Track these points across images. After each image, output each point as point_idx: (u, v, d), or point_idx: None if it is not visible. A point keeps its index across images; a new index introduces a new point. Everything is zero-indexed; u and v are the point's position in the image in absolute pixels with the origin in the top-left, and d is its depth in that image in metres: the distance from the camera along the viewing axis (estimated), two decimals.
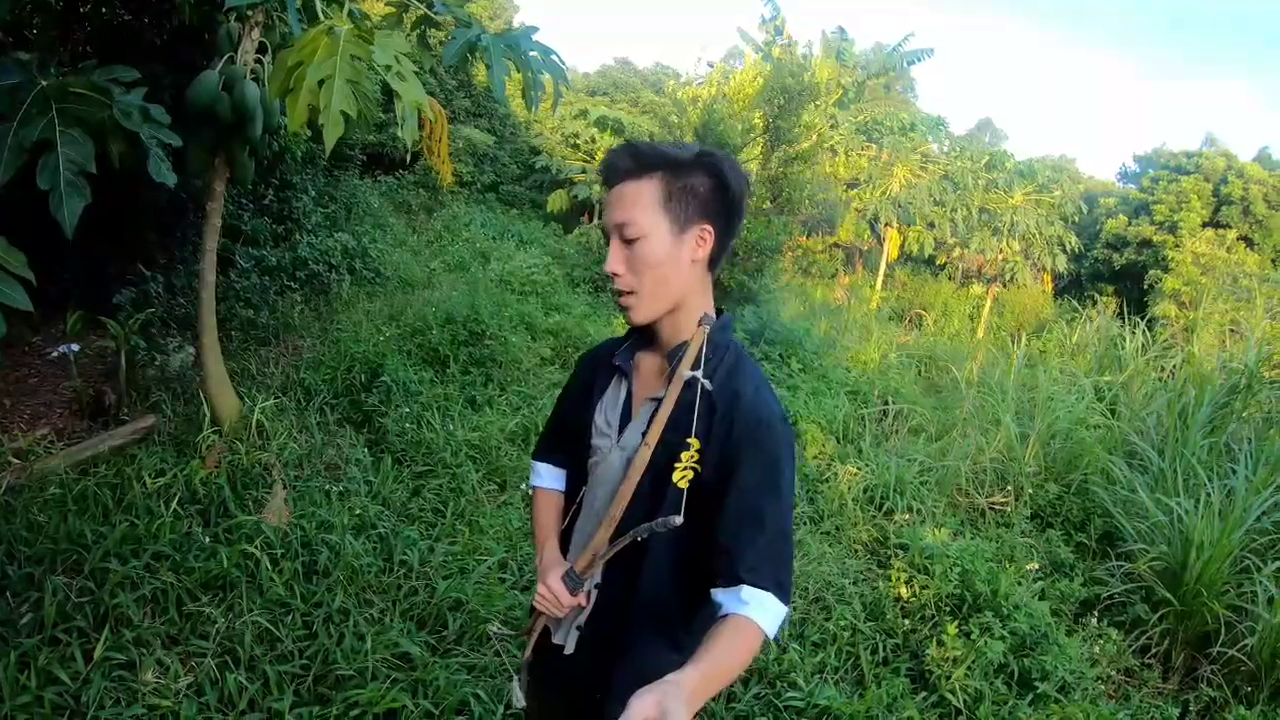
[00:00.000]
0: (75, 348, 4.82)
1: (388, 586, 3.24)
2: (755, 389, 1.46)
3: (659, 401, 1.47)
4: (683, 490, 1.42)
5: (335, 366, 5.31)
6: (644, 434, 1.46)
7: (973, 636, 3.67)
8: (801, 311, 11.38)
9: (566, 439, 1.72)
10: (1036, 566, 4.68)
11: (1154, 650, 4.34)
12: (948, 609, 3.97)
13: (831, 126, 14.44)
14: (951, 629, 3.63)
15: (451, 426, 4.89)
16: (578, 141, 19.84)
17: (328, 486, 3.95)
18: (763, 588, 1.35)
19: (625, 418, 1.57)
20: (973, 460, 5.95)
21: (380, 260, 8.40)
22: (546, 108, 3.86)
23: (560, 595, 1.51)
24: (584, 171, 18.64)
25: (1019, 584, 4.29)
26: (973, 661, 3.53)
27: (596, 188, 18.31)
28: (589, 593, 1.54)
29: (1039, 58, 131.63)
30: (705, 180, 1.46)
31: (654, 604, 1.49)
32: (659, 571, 1.48)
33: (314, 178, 8.45)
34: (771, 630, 1.35)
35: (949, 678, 3.48)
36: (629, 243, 1.44)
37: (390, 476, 4.22)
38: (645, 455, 1.44)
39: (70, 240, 2.44)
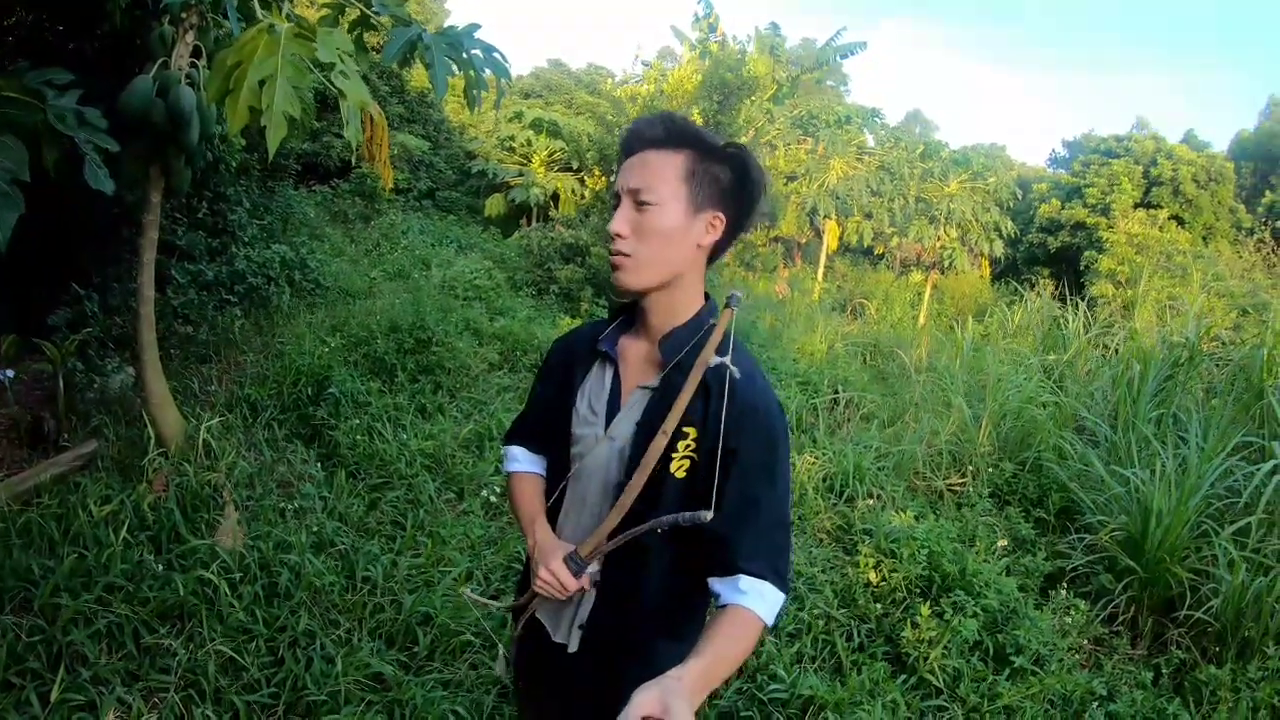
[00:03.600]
0: (10, 374, 4.59)
1: (353, 605, 3.12)
2: (750, 376, 1.43)
3: (652, 390, 1.46)
4: (682, 480, 1.40)
5: (280, 381, 5.16)
6: (662, 422, 1.39)
7: (945, 616, 3.70)
8: (746, 305, 11.41)
9: (542, 424, 1.67)
10: (1005, 543, 4.74)
11: (1121, 618, 4.41)
12: (918, 591, 3.99)
13: (768, 121, 14.54)
14: (925, 610, 3.65)
15: (405, 436, 4.78)
16: (513, 145, 19.71)
17: (282, 505, 3.82)
18: (760, 577, 1.34)
19: (613, 407, 1.52)
20: (927, 444, 6.01)
21: (320, 271, 8.20)
22: (489, 106, 3.77)
23: (565, 579, 1.45)
24: (520, 175, 18.53)
25: (986, 562, 4.34)
26: (948, 641, 3.56)
27: (535, 190, 18.19)
28: (592, 585, 1.51)
29: (961, 53, 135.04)
30: (729, 170, 1.45)
31: (658, 596, 1.48)
32: (662, 563, 1.46)
33: (248, 189, 8.19)
34: (770, 619, 1.34)
35: (927, 659, 3.50)
36: (640, 207, 1.42)
37: (345, 491, 4.09)
38: (661, 444, 1.38)
39: (3, 254, 2.29)
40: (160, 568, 3.07)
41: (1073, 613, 4.27)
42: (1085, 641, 4.23)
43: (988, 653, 3.69)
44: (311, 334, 6.25)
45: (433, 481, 4.36)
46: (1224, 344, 8.53)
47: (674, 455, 1.40)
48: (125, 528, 3.25)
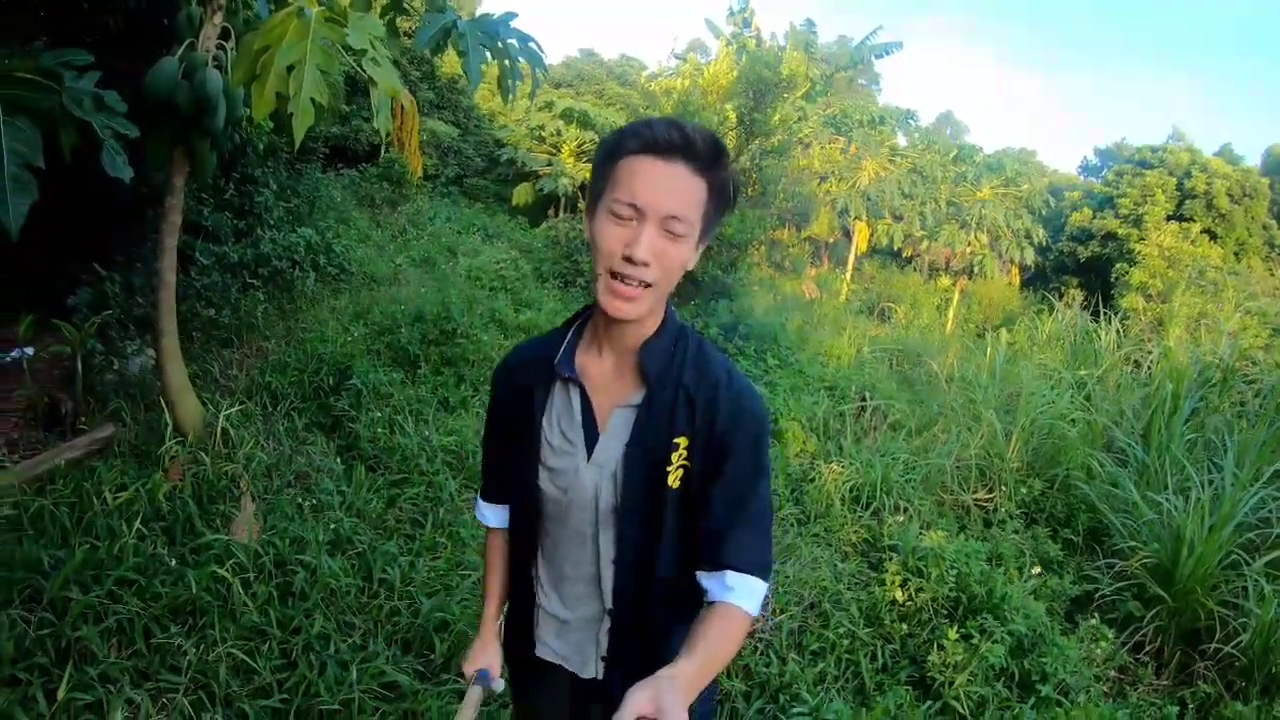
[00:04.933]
0: (29, 352, 4.55)
1: (369, 608, 3.05)
2: (729, 374, 1.42)
3: (636, 408, 1.40)
4: (678, 490, 1.39)
5: (302, 369, 5.11)
6: (655, 440, 1.38)
7: (973, 640, 3.59)
8: (772, 305, 11.28)
9: (502, 469, 1.62)
10: (1039, 570, 4.62)
11: (1148, 648, 4.32)
12: (944, 612, 3.88)
13: (799, 119, 14.39)
14: (951, 634, 3.54)
15: (426, 431, 4.71)
16: (543, 134, 19.66)
17: (299, 499, 3.76)
18: (748, 572, 1.34)
19: (590, 431, 1.44)
20: (956, 457, 5.88)
21: (345, 256, 8.18)
22: (523, 96, 3.69)
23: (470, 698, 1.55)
24: (550, 164, 18.49)
25: (1014, 584, 4.22)
26: (974, 666, 3.45)
27: (563, 180, 18.11)
28: (607, 614, 1.51)
29: (995, 53, 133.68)
30: (729, 188, 1.37)
31: (671, 608, 1.47)
32: (669, 582, 1.44)
33: (275, 171, 8.16)
34: (755, 610, 1.35)
35: (952, 684, 3.39)
36: (671, 236, 1.28)
37: (364, 486, 4.03)
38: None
39: (16, 240, 2.22)
40: (174, 562, 3.01)
41: (1101, 642, 4.16)
42: (1112, 671, 4.12)
43: (1013, 679, 3.59)
44: (335, 320, 6.22)
45: (454, 479, 4.28)
46: (1255, 364, 8.37)
47: (669, 469, 1.38)
48: (139, 519, 3.20)
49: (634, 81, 21.85)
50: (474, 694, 1.57)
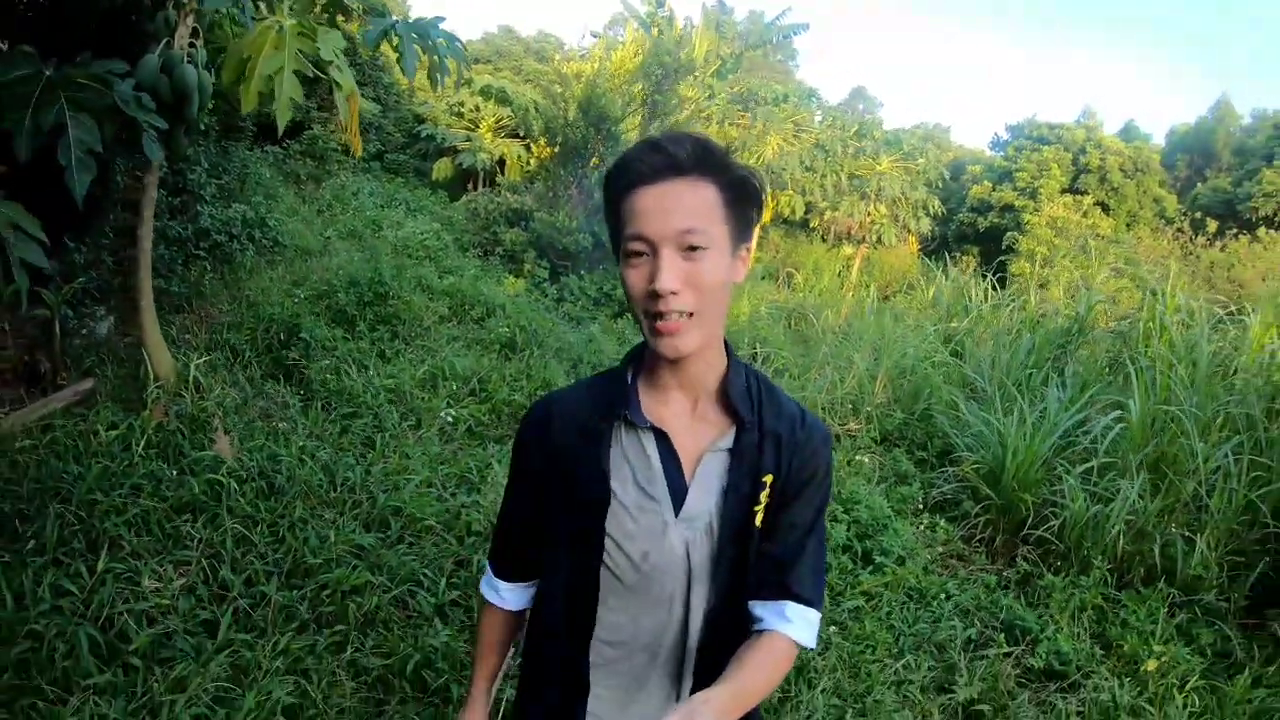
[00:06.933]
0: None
1: (336, 501, 3.85)
2: (800, 408, 1.41)
3: (729, 451, 1.34)
4: (759, 528, 1.35)
5: (254, 328, 5.76)
6: (750, 484, 1.33)
7: None
8: None
9: (529, 540, 1.47)
10: (868, 460, 5.57)
11: (979, 537, 5.26)
12: None
13: (709, 97, 15.22)
14: None
15: (369, 375, 5.45)
16: (462, 110, 20.08)
17: (267, 430, 4.47)
18: (807, 603, 1.35)
19: (676, 483, 1.33)
20: (829, 393, 6.86)
21: (278, 229, 8.68)
22: (449, 86, 4.35)
23: None
24: (469, 140, 18.94)
25: (863, 486, 5.17)
26: None
27: (482, 155, 18.64)
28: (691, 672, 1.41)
29: (921, 29, 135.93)
30: (755, 189, 1.30)
31: (737, 645, 1.35)
32: (745, 620, 1.39)
33: (206, 149, 8.61)
34: (811, 643, 1.36)
35: None
36: (692, 253, 1.20)
37: (321, 418, 4.77)
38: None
39: (81, 205, 2.91)
40: (174, 473, 3.71)
41: (937, 530, 5.13)
42: (948, 555, 5.07)
43: (856, 555, 4.52)
44: (276, 288, 6.84)
45: (395, 411, 5.06)
46: (1126, 319, 9.51)
47: (756, 508, 1.33)
48: (141, 445, 3.86)
49: (551, 58, 22.36)
50: None
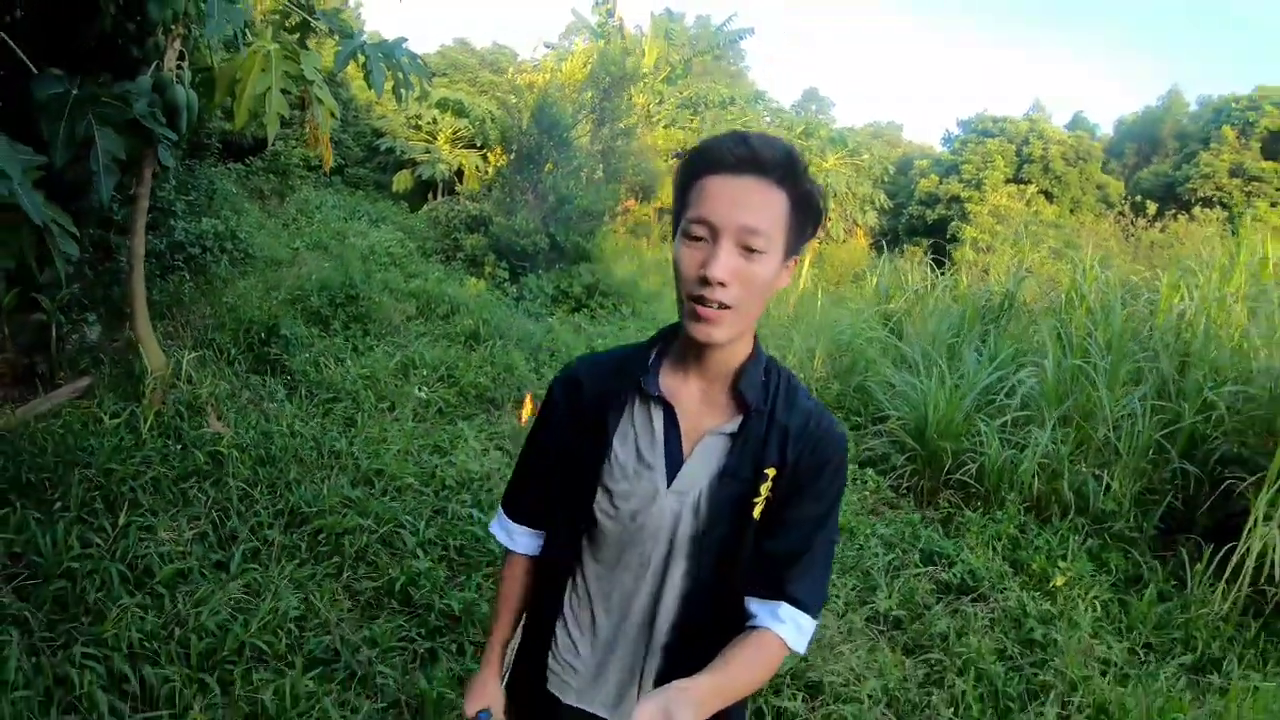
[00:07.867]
0: None
1: (325, 465, 4.34)
2: (818, 407, 1.42)
3: (731, 436, 1.38)
4: (758, 521, 1.37)
5: (236, 329, 6.19)
6: (749, 470, 1.35)
7: None
8: (635, 269, 12.79)
9: (544, 489, 1.53)
10: None
11: (906, 486, 5.85)
12: None
13: (659, 102, 15.82)
14: None
15: (346, 366, 5.93)
16: (420, 123, 20.49)
17: (258, 413, 4.93)
18: (803, 608, 1.34)
19: (674, 455, 1.39)
20: None
21: (249, 242, 9.08)
22: (413, 102, 4.81)
23: None
24: (428, 151, 19.37)
25: None
26: None
27: (441, 166, 19.09)
28: (662, 650, 1.45)
29: (871, 29, 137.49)
30: (819, 207, 1.32)
31: (724, 640, 1.35)
32: (732, 614, 1.40)
33: (175, 167, 8.97)
34: (803, 649, 1.35)
35: None
36: (750, 254, 1.23)
37: (305, 403, 5.25)
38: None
39: (107, 206, 3.38)
40: (179, 448, 4.17)
41: (869, 483, 5.70)
42: (881, 504, 5.62)
43: None
44: (253, 293, 7.28)
45: (372, 396, 5.55)
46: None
47: (755, 500, 1.35)
48: (144, 426, 4.31)
49: (505, 70, 22.86)
50: None
